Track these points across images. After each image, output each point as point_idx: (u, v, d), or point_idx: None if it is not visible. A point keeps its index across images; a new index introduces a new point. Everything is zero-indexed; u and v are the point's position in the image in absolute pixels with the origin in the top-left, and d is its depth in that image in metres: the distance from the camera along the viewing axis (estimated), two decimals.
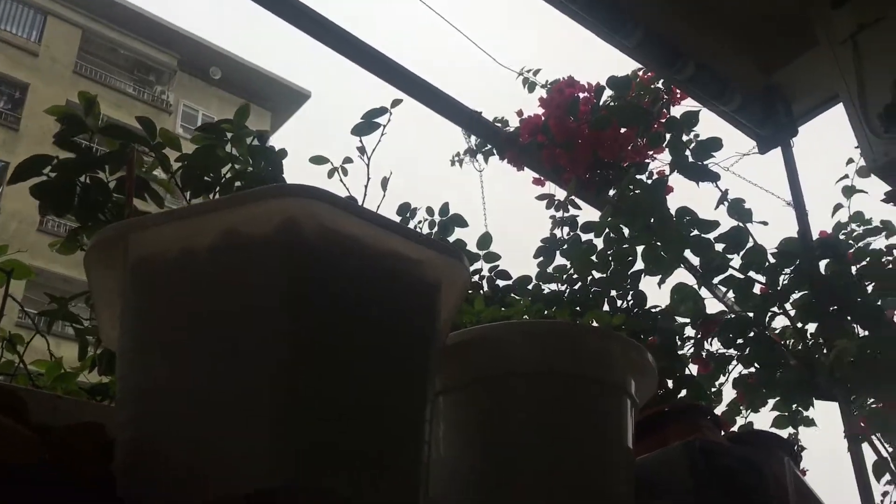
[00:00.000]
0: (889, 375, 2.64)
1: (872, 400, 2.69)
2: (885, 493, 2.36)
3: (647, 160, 2.81)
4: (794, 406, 2.75)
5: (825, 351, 2.67)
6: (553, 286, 2.23)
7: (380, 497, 0.78)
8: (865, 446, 2.48)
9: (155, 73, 22.76)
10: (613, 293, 2.29)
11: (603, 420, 1.05)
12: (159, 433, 0.79)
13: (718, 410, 2.74)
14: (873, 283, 2.84)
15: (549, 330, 1.17)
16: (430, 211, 2.19)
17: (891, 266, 2.90)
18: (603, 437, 1.04)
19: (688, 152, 2.75)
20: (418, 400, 0.88)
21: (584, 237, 2.42)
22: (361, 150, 1.83)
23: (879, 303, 2.79)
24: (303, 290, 0.80)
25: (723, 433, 1.69)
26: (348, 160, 1.83)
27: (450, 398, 1.11)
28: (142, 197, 1.59)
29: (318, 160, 1.82)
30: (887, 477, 2.55)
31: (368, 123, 1.89)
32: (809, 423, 2.73)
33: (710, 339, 2.61)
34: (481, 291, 1.99)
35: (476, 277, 2.12)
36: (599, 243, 2.38)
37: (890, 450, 2.55)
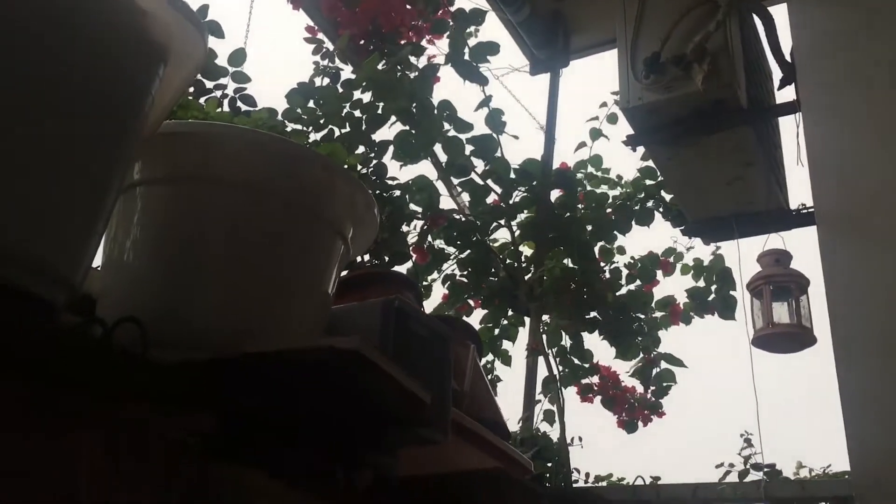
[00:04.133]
0: (577, 304, 2.87)
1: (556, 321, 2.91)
2: (538, 401, 2.58)
3: (423, 44, 2.75)
4: (500, 321, 2.90)
5: (532, 270, 2.84)
6: (299, 128, 2.11)
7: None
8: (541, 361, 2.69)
9: None
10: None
11: (308, 250, 0.99)
12: None
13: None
14: (591, 224, 3.06)
15: (278, 146, 1.08)
16: None
17: (611, 212, 3.13)
18: (303, 266, 0.98)
19: (466, 49, 2.74)
20: (98, 171, 0.75)
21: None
22: None
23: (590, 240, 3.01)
24: None
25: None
26: None
27: (150, 191, 0.99)
28: None
29: None
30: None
31: None
32: (507, 360, 2.89)
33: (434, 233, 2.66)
34: (219, 109, 1.83)
35: (219, 94, 1.95)
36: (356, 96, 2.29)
37: (560, 368, 2.79)
